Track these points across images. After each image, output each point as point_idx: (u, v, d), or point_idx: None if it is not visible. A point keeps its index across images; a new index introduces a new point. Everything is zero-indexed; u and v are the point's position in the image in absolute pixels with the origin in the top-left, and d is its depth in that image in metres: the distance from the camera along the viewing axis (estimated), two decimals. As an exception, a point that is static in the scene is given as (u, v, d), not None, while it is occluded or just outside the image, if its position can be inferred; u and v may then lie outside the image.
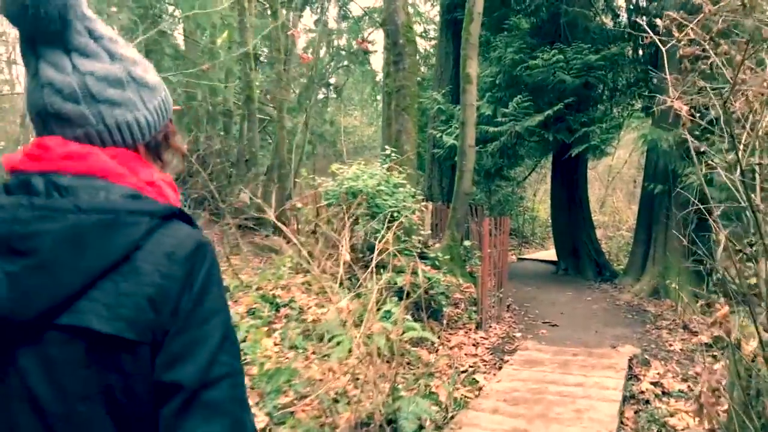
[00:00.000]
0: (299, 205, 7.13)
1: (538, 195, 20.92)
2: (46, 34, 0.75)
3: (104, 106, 0.79)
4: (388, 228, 6.63)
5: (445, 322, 6.58)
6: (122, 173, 0.79)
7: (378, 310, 5.24)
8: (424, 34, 19.95)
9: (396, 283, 5.98)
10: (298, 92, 18.48)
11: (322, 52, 19.77)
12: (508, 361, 5.38)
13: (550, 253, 13.12)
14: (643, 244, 9.35)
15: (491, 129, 10.05)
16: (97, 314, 0.70)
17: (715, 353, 5.49)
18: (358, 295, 5.46)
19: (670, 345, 5.80)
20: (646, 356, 5.41)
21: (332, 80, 21.06)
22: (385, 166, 6.78)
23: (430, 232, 8.18)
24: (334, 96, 21.28)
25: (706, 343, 5.77)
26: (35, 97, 0.77)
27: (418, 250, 7.50)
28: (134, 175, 0.81)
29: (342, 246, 5.80)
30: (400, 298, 5.98)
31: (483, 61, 11.46)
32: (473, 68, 7.99)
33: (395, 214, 6.49)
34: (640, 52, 10.47)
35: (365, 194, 6.62)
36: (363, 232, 6.51)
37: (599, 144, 9.58)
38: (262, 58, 16.81)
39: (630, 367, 5.06)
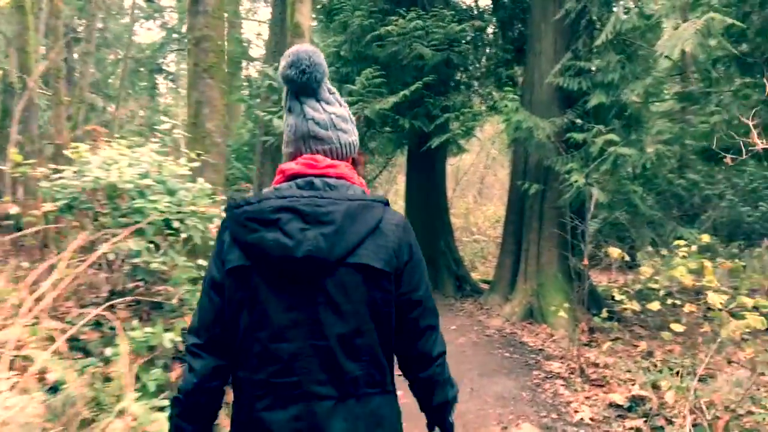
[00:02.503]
0: (13, 210, 4.33)
1: (389, 196, 19.37)
2: (308, 90, 1.35)
3: (340, 132, 1.37)
4: (156, 247, 4.16)
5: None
6: (352, 177, 1.36)
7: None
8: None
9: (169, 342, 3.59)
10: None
11: None
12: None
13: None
14: (511, 254, 7.85)
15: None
16: (368, 257, 1.24)
17: (638, 425, 3.86)
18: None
19: (576, 411, 4.09)
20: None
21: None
22: (155, 147, 4.22)
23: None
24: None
25: (620, 406, 4.15)
26: (301, 126, 1.34)
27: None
28: (356, 177, 1.38)
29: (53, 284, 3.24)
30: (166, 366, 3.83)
31: (325, 28, 9.29)
32: (305, 16, 5.78)
33: (177, 225, 4.02)
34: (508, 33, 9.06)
35: (122, 192, 4.04)
36: (113, 255, 3.93)
37: (462, 134, 7.90)
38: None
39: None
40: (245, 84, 16.38)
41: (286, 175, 1.32)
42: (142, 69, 24.04)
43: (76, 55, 16.34)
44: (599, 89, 6.62)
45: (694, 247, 5.54)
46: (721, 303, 3.91)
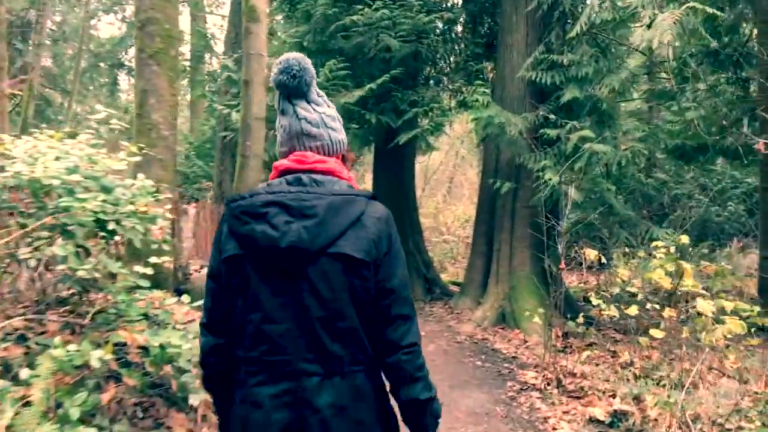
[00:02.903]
0: None
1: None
2: (299, 93, 1.45)
3: (330, 130, 1.48)
4: (87, 252, 3.69)
5: (199, 413, 3.83)
6: (341, 172, 1.45)
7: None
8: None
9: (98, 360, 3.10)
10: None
11: None
12: None
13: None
14: (482, 256, 7.53)
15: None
16: (348, 247, 1.32)
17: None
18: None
19: (554, 429, 3.75)
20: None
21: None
22: (90, 139, 3.71)
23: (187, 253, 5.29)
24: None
25: (601, 421, 3.84)
26: (295, 125, 1.44)
27: (170, 289, 4.70)
28: (344, 172, 1.48)
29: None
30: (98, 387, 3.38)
31: (288, 18, 8.82)
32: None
33: (112, 226, 3.54)
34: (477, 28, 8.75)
35: (47, 188, 3.54)
36: (35, 261, 3.43)
37: (431, 131, 7.55)
38: None
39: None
40: (207, 79, 15.73)
41: (279, 170, 1.44)
42: (101, 64, 23.07)
43: (30, 48, 15.43)
44: (573, 83, 6.35)
45: (671, 248, 5.31)
46: (712, 312, 3.62)
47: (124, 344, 3.32)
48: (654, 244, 5.32)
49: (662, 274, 5.18)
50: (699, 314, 4.18)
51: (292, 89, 1.44)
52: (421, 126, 7.34)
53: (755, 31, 7.44)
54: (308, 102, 1.46)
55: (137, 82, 5.30)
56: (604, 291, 6.04)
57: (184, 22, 17.26)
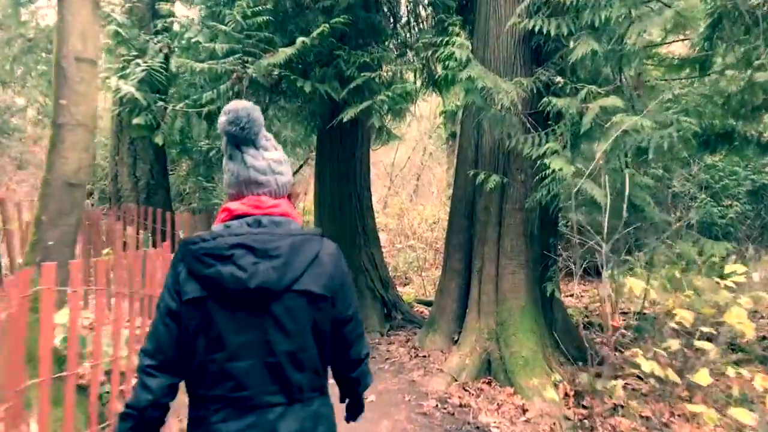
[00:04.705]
0: None
1: (309, 194, 16.73)
2: (247, 141, 1.48)
3: (278, 175, 1.51)
4: None
5: None
6: (292, 212, 1.51)
7: None
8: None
9: None
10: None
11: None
12: None
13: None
14: (458, 276, 5.55)
15: (202, 66, 5.32)
16: (310, 283, 1.41)
17: None
18: None
19: None
20: None
21: None
22: None
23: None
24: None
25: None
26: (243, 173, 1.47)
27: None
28: (294, 212, 1.53)
29: None
30: None
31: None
32: None
33: None
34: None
35: None
36: None
37: (391, 105, 5.49)
38: None
39: None
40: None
41: (233, 214, 1.47)
42: (43, 54, 20.37)
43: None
44: (588, 34, 4.42)
45: (754, 277, 3.45)
46: None
47: None
48: (729, 268, 3.42)
49: (744, 316, 3.30)
50: None
51: (240, 138, 1.47)
52: (374, 100, 5.30)
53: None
54: (257, 148, 1.51)
55: None
56: (650, 350, 4.14)
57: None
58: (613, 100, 4.03)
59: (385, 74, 5.24)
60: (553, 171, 4.14)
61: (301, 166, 14.19)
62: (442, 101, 17.11)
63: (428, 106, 20.43)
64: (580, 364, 5.17)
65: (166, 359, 1.41)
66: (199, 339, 1.37)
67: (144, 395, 1.39)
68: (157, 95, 6.07)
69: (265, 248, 1.37)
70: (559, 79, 4.46)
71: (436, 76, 7.43)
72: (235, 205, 1.47)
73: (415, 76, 7.60)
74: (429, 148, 20.63)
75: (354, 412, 1.78)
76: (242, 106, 1.46)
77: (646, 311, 6.62)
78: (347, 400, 1.76)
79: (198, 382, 1.40)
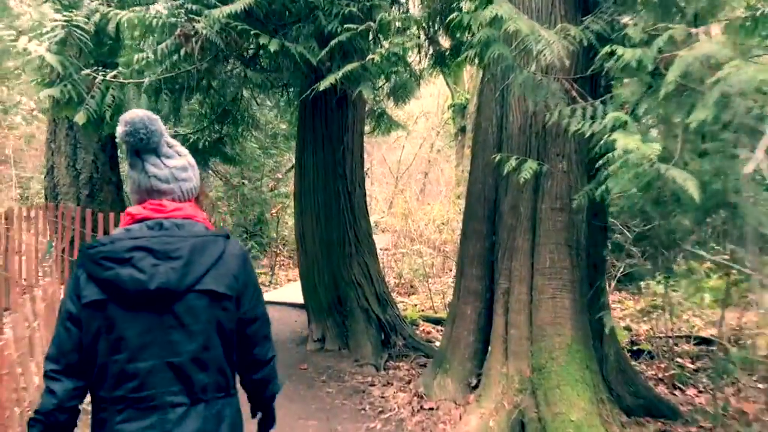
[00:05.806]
0: None
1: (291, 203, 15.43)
2: (148, 149, 1.45)
3: (181, 182, 1.49)
4: None
5: None
6: (196, 215, 1.50)
7: None
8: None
9: None
10: None
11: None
12: None
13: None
14: (476, 298, 4.18)
15: (128, 16, 3.98)
16: (213, 283, 1.40)
17: None
18: None
19: None
20: None
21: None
22: None
23: None
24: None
25: None
26: (144, 182, 1.45)
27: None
28: (199, 214, 1.52)
29: None
30: None
31: None
32: None
33: None
34: None
35: None
36: None
37: (384, 68, 4.12)
38: None
39: None
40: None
41: (135, 218, 1.45)
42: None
43: None
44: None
45: None
46: None
47: None
48: None
49: None
50: None
51: (140, 147, 1.45)
52: (364, 62, 3.95)
53: None
54: (158, 156, 1.48)
55: None
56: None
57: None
58: (716, 46, 2.65)
59: (374, 27, 3.86)
60: (622, 153, 2.77)
61: (287, 170, 12.89)
62: (451, 95, 15.83)
63: (435, 101, 19.13)
64: (642, 416, 3.83)
65: (69, 363, 1.40)
66: (101, 341, 1.37)
67: (49, 400, 1.39)
68: (89, 63, 4.75)
69: (166, 250, 1.39)
70: (626, 19, 3.08)
71: (443, 50, 6.07)
72: (137, 210, 1.47)
73: (419, 51, 6.24)
74: (437, 145, 19.31)
75: (264, 425, 1.75)
76: (139, 117, 1.44)
77: (712, 336, 5.25)
78: (258, 414, 1.74)
79: (101, 384, 1.40)
